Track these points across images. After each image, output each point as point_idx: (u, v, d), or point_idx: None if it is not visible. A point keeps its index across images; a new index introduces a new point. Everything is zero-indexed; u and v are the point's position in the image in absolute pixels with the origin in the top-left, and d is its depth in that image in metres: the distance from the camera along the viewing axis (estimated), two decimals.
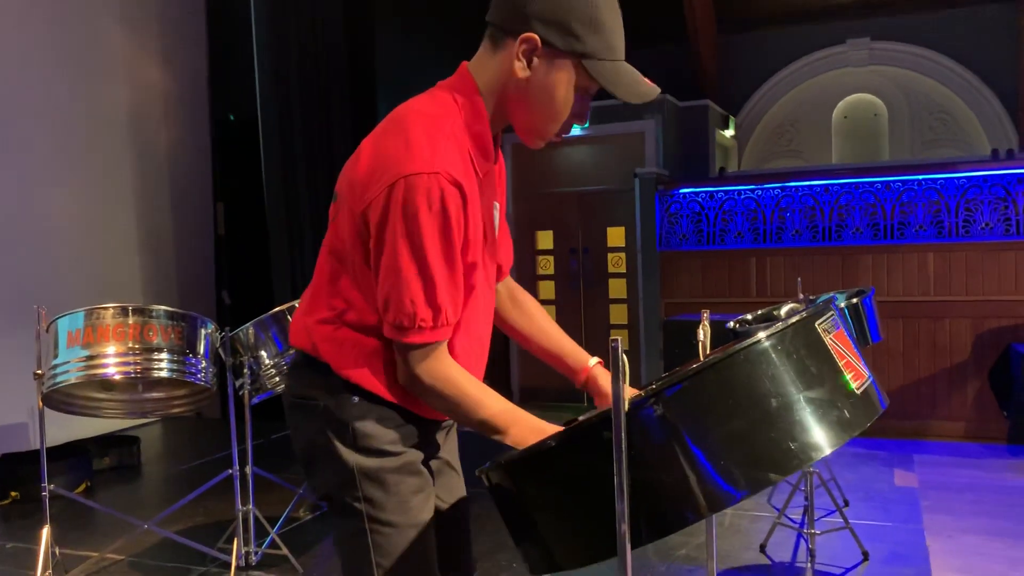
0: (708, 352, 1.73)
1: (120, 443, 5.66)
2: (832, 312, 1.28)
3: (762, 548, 3.75)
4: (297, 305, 3.49)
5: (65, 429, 5.01)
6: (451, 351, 1.50)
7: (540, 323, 1.79)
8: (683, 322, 6.12)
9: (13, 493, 4.81)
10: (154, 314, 3.30)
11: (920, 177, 6.26)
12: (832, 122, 9.22)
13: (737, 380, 1.16)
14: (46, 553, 3.25)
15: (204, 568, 3.69)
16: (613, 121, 7.60)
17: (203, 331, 3.43)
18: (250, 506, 3.62)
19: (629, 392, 1.63)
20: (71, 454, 5.07)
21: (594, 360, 1.73)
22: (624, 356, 1.14)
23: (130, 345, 3.22)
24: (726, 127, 8.74)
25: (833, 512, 3.88)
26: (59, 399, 3.39)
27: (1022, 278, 5.96)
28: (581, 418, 1.42)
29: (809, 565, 3.52)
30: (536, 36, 1.40)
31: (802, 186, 6.61)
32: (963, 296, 6.08)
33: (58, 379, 3.20)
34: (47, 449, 3.34)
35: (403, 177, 1.34)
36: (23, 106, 5.67)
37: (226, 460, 3.64)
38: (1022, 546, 3.79)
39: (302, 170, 6.57)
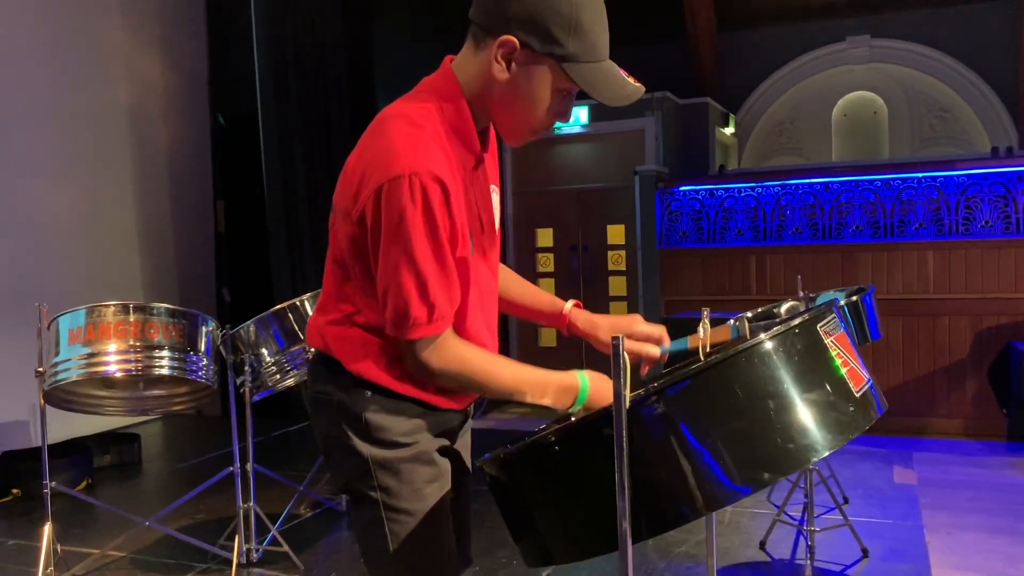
0: (708, 350, 1.74)
1: (121, 440, 5.67)
2: (833, 315, 1.29)
3: (762, 545, 3.76)
4: (298, 302, 3.54)
5: (66, 426, 5.01)
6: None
7: (514, 284, 1.87)
8: (683, 320, 6.13)
9: (15, 490, 4.83)
10: (155, 312, 3.31)
11: (920, 175, 6.26)
12: (832, 120, 9.22)
13: (738, 380, 1.17)
14: (48, 550, 3.26)
15: (205, 565, 3.70)
16: (613, 119, 7.60)
17: (204, 329, 3.44)
18: (251, 503, 3.63)
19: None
20: (72, 451, 5.08)
21: (569, 304, 1.81)
22: (625, 354, 1.14)
23: (131, 343, 3.23)
24: (726, 125, 8.74)
25: (833, 509, 3.89)
26: (60, 396, 3.40)
27: (1021, 276, 5.97)
28: (574, 417, 1.43)
29: (809, 562, 3.53)
30: (515, 39, 1.40)
31: (802, 184, 6.62)
32: (962, 294, 6.09)
33: (59, 377, 3.21)
34: (48, 446, 3.35)
35: (387, 181, 1.37)
36: (22, 103, 5.67)
37: (227, 457, 3.65)
38: (1021, 543, 3.80)
39: (302, 167, 6.57)
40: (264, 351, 3.53)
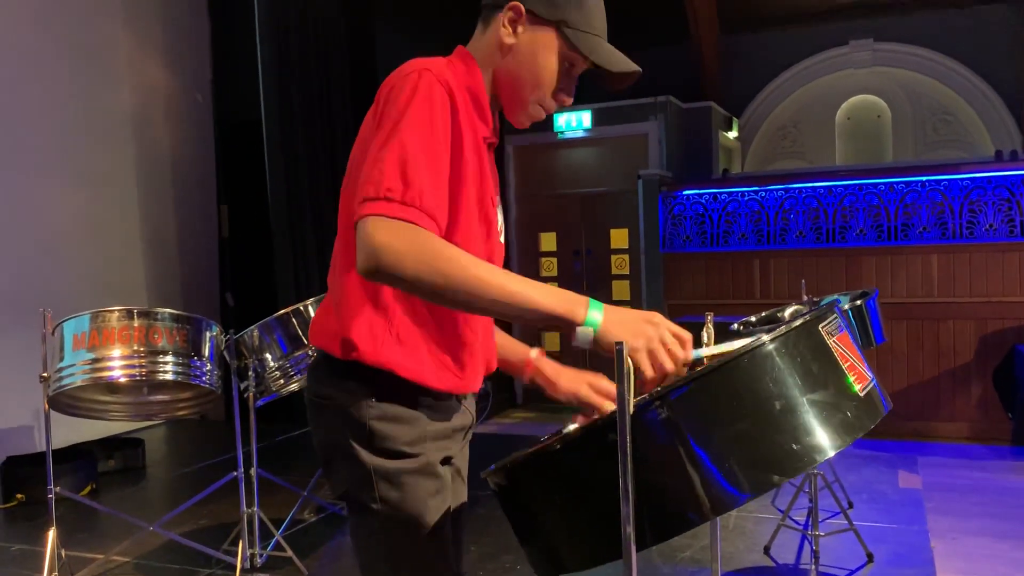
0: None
1: (125, 445, 5.68)
2: (835, 315, 1.28)
3: (766, 550, 3.75)
4: (302, 307, 3.54)
5: (70, 431, 5.02)
6: (456, 335, 1.50)
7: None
8: (687, 324, 6.10)
9: (19, 495, 4.83)
10: (159, 317, 3.31)
11: (924, 178, 6.26)
12: (835, 123, 9.22)
13: (741, 383, 1.17)
14: (52, 555, 3.26)
15: (209, 570, 3.70)
16: (616, 123, 7.61)
17: (208, 334, 3.44)
18: (255, 508, 3.63)
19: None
20: (76, 456, 5.09)
21: (535, 351, 1.74)
22: (629, 359, 1.14)
23: (135, 348, 3.23)
24: (729, 128, 8.75)
25: (837, 514, 3.88)
26: (65, 402, 3.41)
27: None
28: (572, 427, 1.42)
29: (813, 567, 3.52)
30: (521, 5, 1.48)
31: (805, 188, 6.61)
32: (967, 297, 6.07)
33: (64, 382, 3.21)
34: (52, 451, 3.35)
35: (397, 80, 1.39)
36: (27, 108, 5.69)
37: (231, 462, 3.65)
38: None
39: (305, 172, 6.58)
40: (268, 356, 3.53)
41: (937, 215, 6.19)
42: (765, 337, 1.18)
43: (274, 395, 3.61)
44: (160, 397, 3.70)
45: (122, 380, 3.27)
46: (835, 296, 4.10)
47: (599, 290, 7.69)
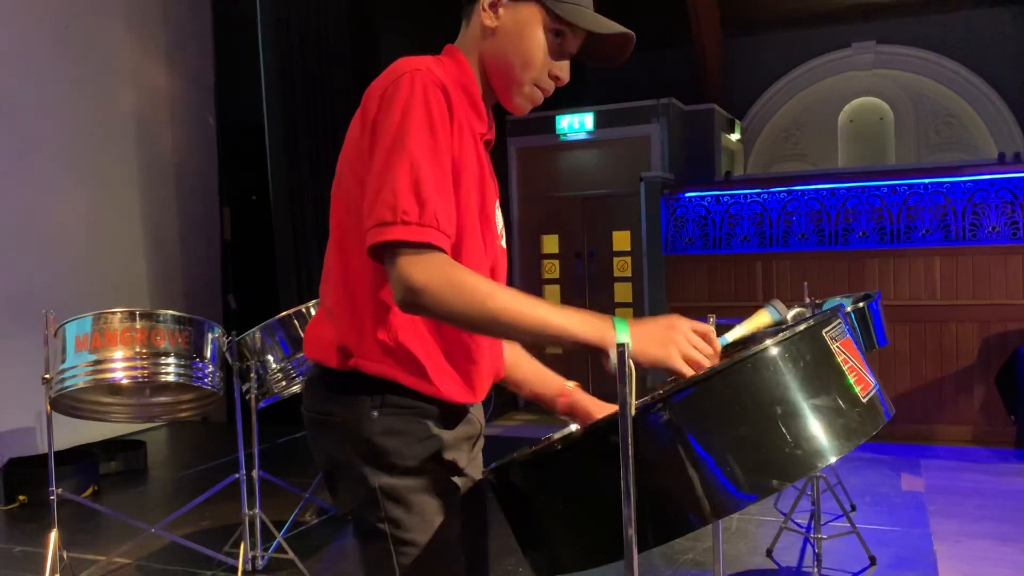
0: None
1: (127, 447, 5.68)
2: (839, 320, 1.28)
3: (769, 553, 3.75)
4: (304, 309, 3.53)
5: (72, 433, 5.02)
6: (460, 342, 1.44)
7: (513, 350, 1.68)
8: None
9: (21, 497, 4.83)
10: (161, 319, 3.31)
11: (926, 181, 6.25)
12: (838, 126, 9.22)
13: (744, 387, 1.17)
14: (54, 557, 3.26)
15: (211, 572, 3.70)
16: (618, 125, 7.61)
17: (210, 335, 3.44)
18: (256, 510, 3.63)
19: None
20: (78, 458, 5.09)
21: (572, 384, 1.65)
22: (631, 362, 1.14)
23: (137, 350, 3.23)
24: (732, 131, 8.75)
25: (840, 517, 3.87)
26: (67, 404, 3.41)
27: None
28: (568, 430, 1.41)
29: (816, 570, 3.51)
30: None
31: (808, 190, 6.61)
32: (970, 300, 6.06)
33: (66, 384, 3.22)
34: (54, 453, 3.36)
35: (391, 83, 1.35)
36: (30, 110, 5.70)
37: (233, 464, 3.65)
38: None
39: (308, 175, 6.59)
40: (270, 358, 3.53)
41: (940, 217, 6.18)
42: (769, 342, 1.18)
43: (276, 397, 3.61)
44: (162, 399, 3.70)
45: (124, 382, 3.26)
46: (838, 300, 4.09)
47: (601, 292, 7.69)
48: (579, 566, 1.28)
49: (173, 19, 6.99)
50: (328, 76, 6.73)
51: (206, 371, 3.39)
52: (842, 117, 9.20)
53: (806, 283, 3.99)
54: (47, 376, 3.23)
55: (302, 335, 3.48)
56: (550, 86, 1.52)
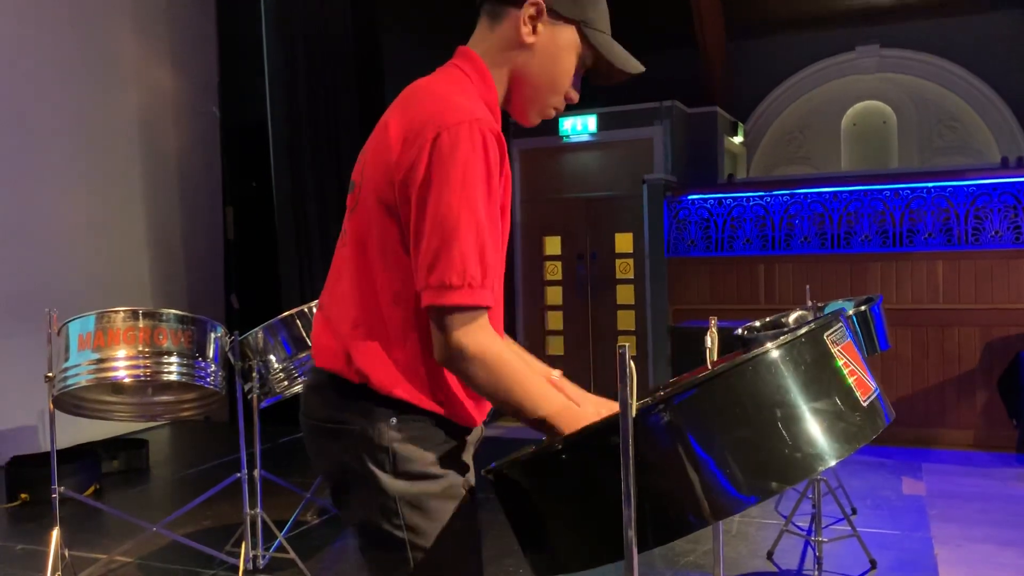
0: (715, 359, 1.74)
1: (129, 446, 5.69)
2: (840, 324, 1.29)
3: (769, 555, 3.75)
4: (306, 309, 3.54)
5: (75, 432, 5.04)
6: None
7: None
8: (691, 328, 6.12)
9: (23, 495, 4.84)
10: (164, 318, 3.32)
11: (929, 185, 6.25)
12: (841, 129, 9.22)
13: (745, 389, 1.17)
14: (55, 555, 3.27)
15: (212, 571, 3.71)
16: (622, 127, 7.62)
17: (213, 335, 3.45)
18: (258, 510, 3.63)
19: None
20: (80, 457, 5.10)
21: (556, 373, 1.64)
22: (631, 363, 1.14)
23: (140, 348, 3.24)
24: (735, 133, 8.75)
25: (841, 520, 3.87)
26: (69, 402, 3.42)
27: None
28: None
29: (816, 573, 3.51)
30: (542, 1, 1.43)
31: (811, 193, 6.61)
32: (972, 304, 6.06)
33: (69, 382, 3.22)
34: (57, 452, 3.36)
35: (446, 128, 1.30)
36: (34, 110, 5.71)
37: (234, 464, 3.65)
38: None
39: (311, 175, 6.59)
40: (272, 357, 3.54)
41: (943, 221, 6.18)
42: (770, 344, 1.19)
43: (278, 397, 3.61)
44: (164, 398, 3.71)
45: (127, 380, 3.27)
46: (840, 303, 4.09)
47: (603, 294, 7.69)
48: (579, 566, 1.28)
49: (178, 19, 7.00)
50: (332, 76, 6.74)
51: (208, 370, 3.40)
52: (845, 120, 9.20)
53: (808, 286, 3.99)
54: (50, 374, 3.24)
55: (304, 335, 3.50)
56: (563, 106, 1.54)
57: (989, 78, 8.32)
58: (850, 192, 6.47)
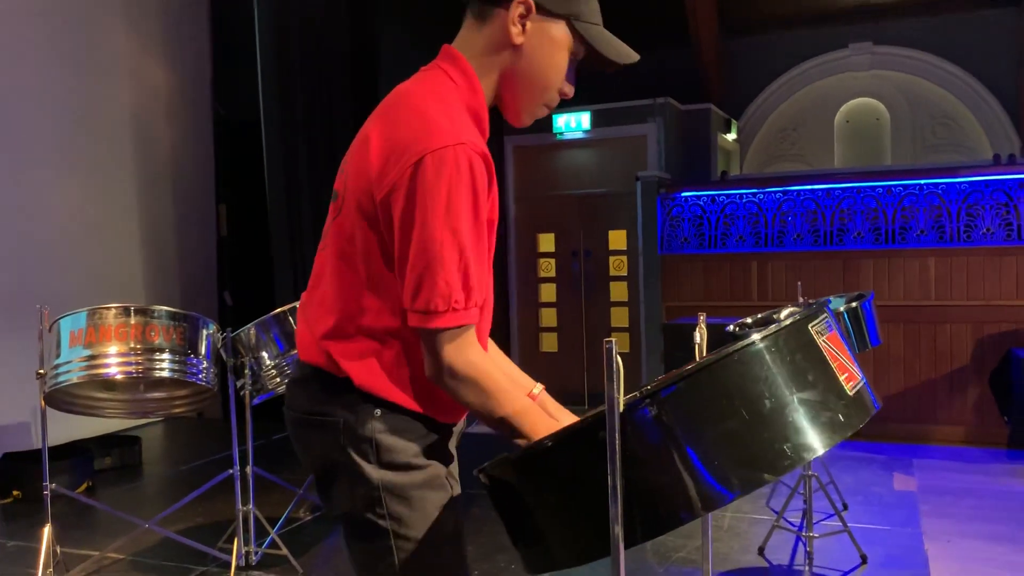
0: (704, 354, 1.74)
1: (121, 443, 5.68)
2: (825, 314, 1.29)
3: (760, 551, 3.76)
4: (298, 306, 3.53)
5: (67, 429, 5.02)
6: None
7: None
8: (684, 325, 6.13)
9: (15, 492, 4.84)
10: (156, 314, 3.32)
11: (922, 182, 6.27)
12: (834, 126, 9.23)
13: (731, 381, 1.18)
14: (47, 552, 3.27)
15: (204, 568, 3.71)
16: (615, 124, 7.62)
17: (205, 331, 3.45)
18: (250, 506, 3.64)
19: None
20: (73, 454, 5.09)
21: (538, 387, 1.63)
22: (618, 358, 1.15)
23: (132, 345, 3.24)
24: (728, 131, 8.76)
25: (832, 515, 3.88)
26: (61, 399, 3.41)
27: (1023, 283, 5.97)
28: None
29: (807, 568, 3.53)
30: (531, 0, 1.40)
31: (804, 190, 6.62)
32: (964, 301, 6.08)
33: (60, 379, 3.22)
34: (49, 448, 3.36)
35: (429, 152, 1.29)
36: (25, 105, 5.69)
37: (227, 460, 3.65)
38: (1021, 551, 3.79)
39: (304, 171, 6.59)
40: (264, 354, 3.54)
41: (935, 218, 6.20)
42: (755, 336, 1.19)
43: (271, 393, 3.61)
44: (156, 395, 3.71)
45: (118, 377, 3.27)
46: (832, 299, 4.11)
47: (597, 291, 7.70)
48: (571, 562, 1.28)
49: (171, 15, 6.98)
50: (326, 72, 6.73)
51: (200, 367, 3.40)
52: (839, 118, 9.21)
53: (800, 283, 4.00)
54: (41, 371, 3.23)
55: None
56: (556, 102, 1.52)
57: (982, 76, 8.34)
58: (843, 189, 6.48)
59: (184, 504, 3.92)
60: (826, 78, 9.05)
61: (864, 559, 3.62)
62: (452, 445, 1.56)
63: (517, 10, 1.40)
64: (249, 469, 3.65)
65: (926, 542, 3.91)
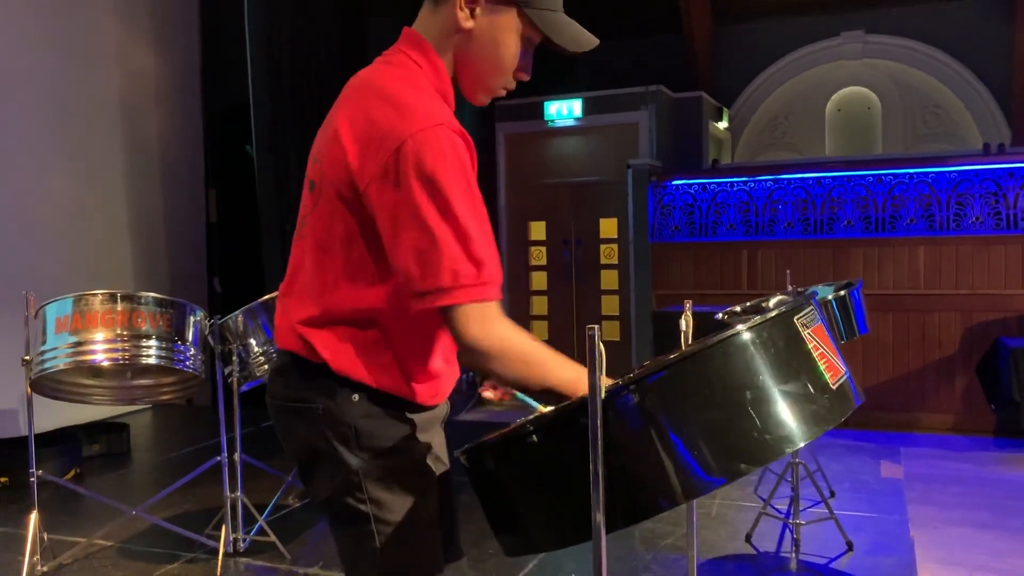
0: (690, 342, 1.74)
1: (109, 430, 5.67)
2: (811, 307, 1.29)
3: (748, 538, 3.78)
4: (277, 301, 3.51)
5: (54, 416, 5.00)
6: (435, 353, 1.49)
7: None
8: (674, 313, 6.10)
9: (2, 479, 4.82)
10: (142, 301, 3.30)
11: (911, 171, 6.28)
12: (826, 115, 9.23)
13: (715, 371, 1.18)
14: (34, 538, 3.26)
15: (192, 554, 3.70)
16: (607, 112, 7.60)
17: (192, 318, 3.43)
18: (238, 493, 3.63)
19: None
20: (60, 441, 5.08)
21: None
22: (601, 345, 1.14)
23: (118, 332, 3.22)
24: (720, 119, 8.75)
25: (819, 503, 3.90)
26: (47, 385, 3.40)
27: (1011, 272, 5.99)
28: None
29: (794, 555, 3.55)
30: None
31: (794, 179, 6.63)
32: (952, 290, 6.11)
33: (46, 365, 3.20)
34: (36, 435, 3.35)
35: (409, 136, 1.30)
36: (14, 92, 5.64)
37: (215, 447, 3.64)
38: (1006, 538, 3.82)
39: (294, 157, 6.56)
40: (252, 341, 3.52)
41: (924, 207, 6.21)
42: (740, 326, 1.19)
43: (258, 380, 3.61)
44: (143, 381, 3.70)
45: (105, 364, 3.26)
46: (821, 288, 4.11)
47: (588, 279, 7.70)
48: (551, 546, 1.29)
49: (160, 1, 6.92)
50: (316, 59, 6.69)
51: (187, 354, 3.38)
52: (830, 106, 9.21)
53: (788, 271, 4.01)
54: (27, 357, 3.22)
55: None
56: (513, 85, 1.52)
57: (973, 65, 8.35)
58: (833, 178, 6.49)
59: (172, 491, 3.91)
60: (818, 67, 9.04)
61: (850, 546, 3.65)
62: (438, 426, 1.58)
63: None
64: (237, 456, 3.64)
65: (912, 529, 3.93)
